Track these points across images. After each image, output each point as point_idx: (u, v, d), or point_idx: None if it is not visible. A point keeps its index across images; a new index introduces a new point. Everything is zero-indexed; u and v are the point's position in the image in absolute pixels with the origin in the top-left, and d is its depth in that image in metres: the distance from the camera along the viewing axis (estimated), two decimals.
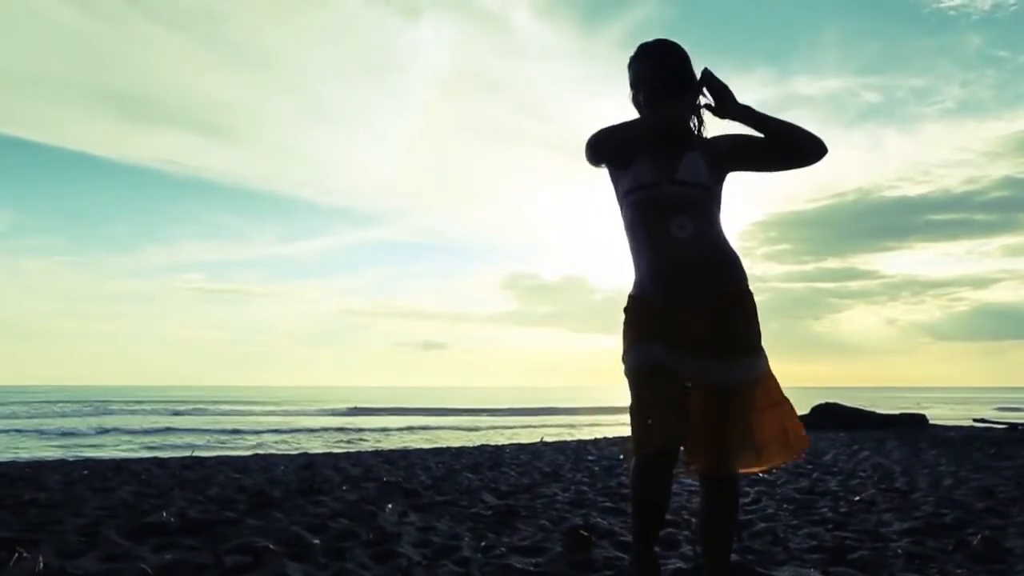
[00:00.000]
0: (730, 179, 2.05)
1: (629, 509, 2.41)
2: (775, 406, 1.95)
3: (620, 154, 2.00)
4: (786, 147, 1.94)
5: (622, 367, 1.99)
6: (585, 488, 5.18)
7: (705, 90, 1.97)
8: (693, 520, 3.61)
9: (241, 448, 13.48)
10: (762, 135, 1.94)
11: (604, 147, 1.98)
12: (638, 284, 2.00)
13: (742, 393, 1.92)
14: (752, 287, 2.00)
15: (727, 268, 1.97)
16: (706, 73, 1.96)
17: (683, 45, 2.00)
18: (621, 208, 2.04)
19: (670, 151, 1.96)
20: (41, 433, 17.72)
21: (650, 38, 2.02)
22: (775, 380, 1.98)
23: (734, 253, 1.99)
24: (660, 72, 1.97)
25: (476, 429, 21.44)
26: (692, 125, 2.03)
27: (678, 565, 2.65)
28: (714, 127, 2.05)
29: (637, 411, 1.93)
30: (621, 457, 7.71)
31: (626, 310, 2.03)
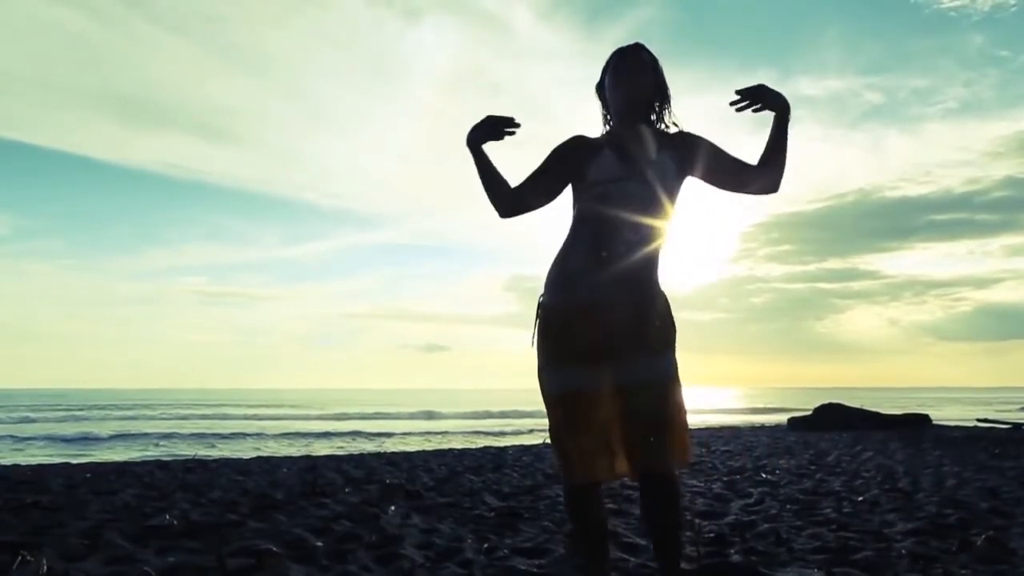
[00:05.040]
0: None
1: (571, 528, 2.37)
2: (680, 410, 1.86)
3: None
4: (764, 175, 1.89)
5: (539, 384, 1.92)
6: None
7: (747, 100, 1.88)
8: (696, 521, 3.61)
9: (243, 451, 13.48)
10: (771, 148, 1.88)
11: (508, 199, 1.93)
12: (558, 286, 1.90)
13: (667, 387, 1.84)
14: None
15: (650, 289, 1.89)
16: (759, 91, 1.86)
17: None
18: (576, 200, 1.95)
19: (641, 148, 1.90)
20: (44, 437, 17.72)
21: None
22: (680, 384, 1.89)
23: (658, 284, 1.91)
24: (650, 64, 1.94)
25: (478, 431, 21.43)
26: (664, 125, 1.97)
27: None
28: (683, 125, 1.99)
29: (556, 440, 1.88)
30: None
31: (540, 317, 1.92)
